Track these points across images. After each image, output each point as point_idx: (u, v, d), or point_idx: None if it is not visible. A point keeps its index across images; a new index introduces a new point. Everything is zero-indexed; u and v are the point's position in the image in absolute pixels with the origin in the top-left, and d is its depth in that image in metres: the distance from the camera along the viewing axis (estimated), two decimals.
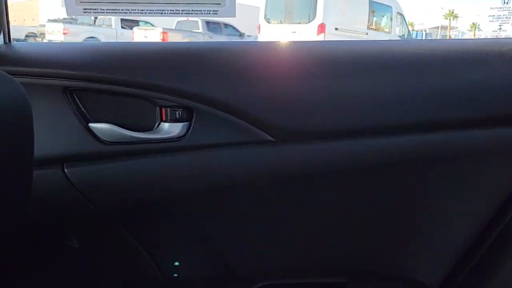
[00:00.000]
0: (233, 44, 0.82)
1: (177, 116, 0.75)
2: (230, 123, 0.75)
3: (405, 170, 0.82)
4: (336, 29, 8.30)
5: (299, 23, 8.49)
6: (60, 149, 0.74)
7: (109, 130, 0.73)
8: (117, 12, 0.76)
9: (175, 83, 0.73)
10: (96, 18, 12.26)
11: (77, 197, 0.74)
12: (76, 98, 0.74)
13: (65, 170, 0.73)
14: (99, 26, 12.19)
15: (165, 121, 0.75)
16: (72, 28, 11.71)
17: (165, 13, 0.76)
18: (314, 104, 0.76)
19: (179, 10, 0.76)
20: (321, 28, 8.14)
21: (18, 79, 0.72)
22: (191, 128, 0.75)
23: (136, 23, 11.75)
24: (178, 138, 0.75)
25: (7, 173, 0.47)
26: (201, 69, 0.76)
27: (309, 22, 8.33)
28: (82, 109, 0.74)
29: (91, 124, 0.73)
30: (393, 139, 0.78)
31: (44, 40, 11.80)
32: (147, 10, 0.76)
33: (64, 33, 11.41)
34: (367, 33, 8.84)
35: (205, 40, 10.63)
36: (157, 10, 0.76)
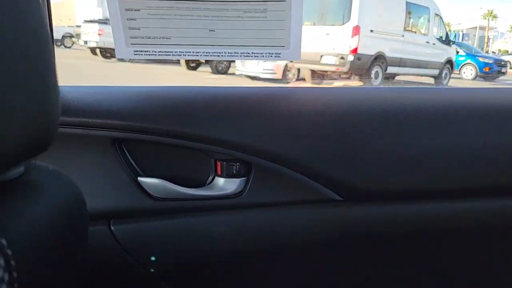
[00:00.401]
0: (293, 90, 0.75)
1: (234, 171, 0.68)
2: (293, 180, 0.67)
3: (489, 237, 0.72)
4: (371, 31, 8.10)
5: (333, 24, 8.32)
6: (106, 204, 0.68)
7: (160, 186, 0.67)
8: (170, 55, 0.69)
9: (232, 136, 0.66)
10: None
11: (123, 256, 0.68)
12: (125, 150, 0.68)
13: (112, 227, 0.67)
14: None
15: (221, 176, 0.68)
16: (106, 29, 11.86)
17: (222, 55, 0.69)
18: (387, 161, 0.67)
19: (237, 53, 0.69)
20: (356, 30, 7.95)
21: (63, 129, 0.67)
22: (249, 184, 0.68)
23: None
24: (235, 195, 0.68)
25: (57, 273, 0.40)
26: (259, 119, 0.68)
27: (343, 24, 8.14)
28: (131, 161, 0.68)
29: (140, 178, 0.67)
30: (476, 202, 0.69)
31: (80, 41, 12.02)
32: (202, 52, 0.69)
33: (99, 34, 11.58)
34: (403, 35, 8.58)
35: None
36: (213, 52, 0.69)
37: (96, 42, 11.56)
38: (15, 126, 0.29)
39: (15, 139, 0.29)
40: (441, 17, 9.46)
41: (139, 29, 0.67)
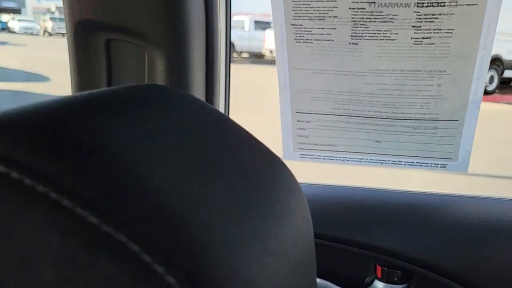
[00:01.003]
0: (459, 199, 0.74)
1: (396, 279, 0.70)
2: None
3: None
4: None
5: None
6: None
7: (321, 285, 0.71)
8: (334, 159, 0.73)
9: (395, 244, 0.68)
10: None
11: None
12: None
13: None
14: (233, 28, 12.71)
15: (381, 280, 0.71)
16: None
17: (386, 163, 0.71)
18: None
19: (401, 162, 0.70)
20: None
21: None
22: None
23: (268, 25, 11.99)
24: None
25: None
26: (425, 228, 0.69)
27: None
28: None
29: None
30: None
31: None
32: (366, 159, 0.72)
33: None
34: None
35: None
36: (377, 160, 0.71)
37: None
38: None
39: None
40: None
41: (307, 137, 0.72)
